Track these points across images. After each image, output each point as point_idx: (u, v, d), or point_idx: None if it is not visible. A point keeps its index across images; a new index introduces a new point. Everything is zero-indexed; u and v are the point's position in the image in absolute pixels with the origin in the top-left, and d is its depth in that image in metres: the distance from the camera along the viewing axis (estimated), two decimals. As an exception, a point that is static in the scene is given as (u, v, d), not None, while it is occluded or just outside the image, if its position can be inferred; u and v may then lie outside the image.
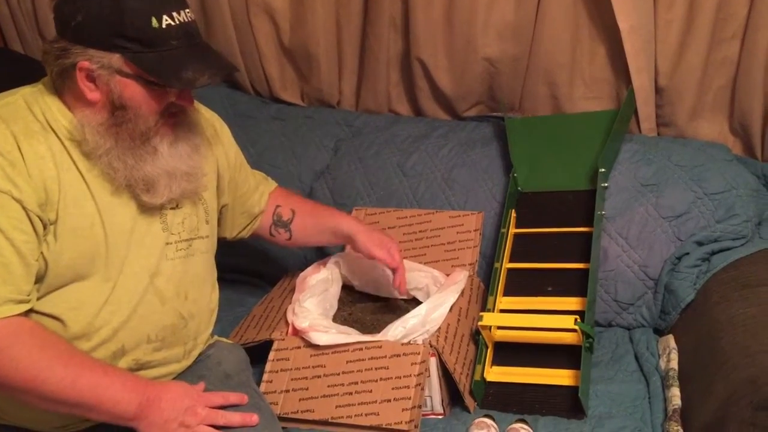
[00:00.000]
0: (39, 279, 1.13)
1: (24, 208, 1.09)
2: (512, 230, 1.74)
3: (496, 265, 1.66)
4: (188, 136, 1.24)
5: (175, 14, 1.13)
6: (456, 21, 1.91)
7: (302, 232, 1.61)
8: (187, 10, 1.16)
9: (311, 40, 2.08)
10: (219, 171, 1.42)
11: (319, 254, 1.90)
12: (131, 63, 1.12)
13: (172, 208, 1.27)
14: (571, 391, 1.43)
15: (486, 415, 1.40)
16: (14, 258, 1.08)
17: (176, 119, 1.21)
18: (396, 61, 2.06)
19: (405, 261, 1.67)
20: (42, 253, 1.12)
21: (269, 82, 2.22)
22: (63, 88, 1.16)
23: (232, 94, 2.25)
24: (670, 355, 1.51)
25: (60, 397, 1.08)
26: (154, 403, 1.14)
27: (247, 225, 1.57)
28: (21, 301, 1.09)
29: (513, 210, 1.76)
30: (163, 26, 1.11)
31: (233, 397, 1.25)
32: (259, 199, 1.57)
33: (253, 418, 1.22)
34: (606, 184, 1.70)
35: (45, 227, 1.12)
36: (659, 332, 1.67)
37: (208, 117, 1.44)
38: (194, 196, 1.30)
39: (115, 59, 1.12)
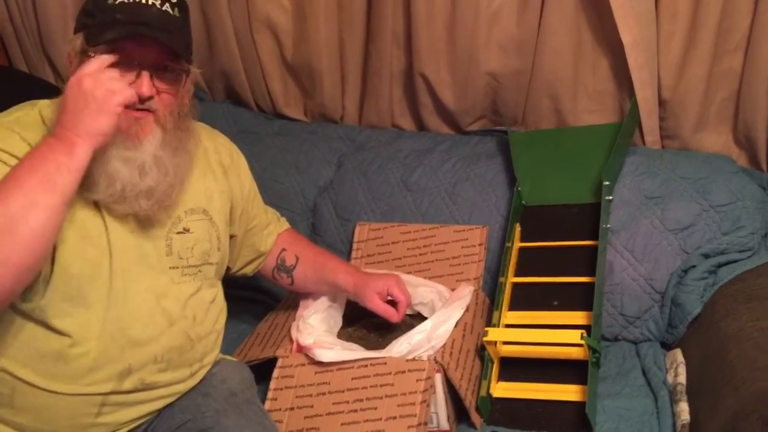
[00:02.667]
0: (45, 283, 1.14)
1: None
2: (517, 244, 1.73)
3: (501, 279, 1.65)
4: (159, 152, 1.17)
5: None
6: (458, 36, 1.91)
7: (303, 281, 1.59)
8: None
9: (314, 56, 2.09)
10: (233, 201, 1.41)
11: (324, 270, 1.90)
12: (84, 39, 1.15)
13: (179, 233, 1.27)
14: (578, 407, 1.42)
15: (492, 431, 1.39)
16: None
17: (140, 119, 1.16)
18: (399, 76, 2.06)
19: (410, 276, 1.67)
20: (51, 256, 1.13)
21: (272, 98, 2.23)
22: None
23: (236, 111, 2.26)
24: (677, 369, 1.50)
25: (11, 215, 1.00)
26: (64, 128, 1.05)
27: (252, 261, 1.56)
28: None
29: (517, 224, 1.76)
30: (116, 2, 1.13)
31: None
32: (266, 237, 1.56)
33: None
34: (610, 197, 1.69)
35: None
36: (666, 346, 1.65)
37: (226, 146, 1.44)
38: (155, 218, 1.24)
39: (80, 40, 1.15)
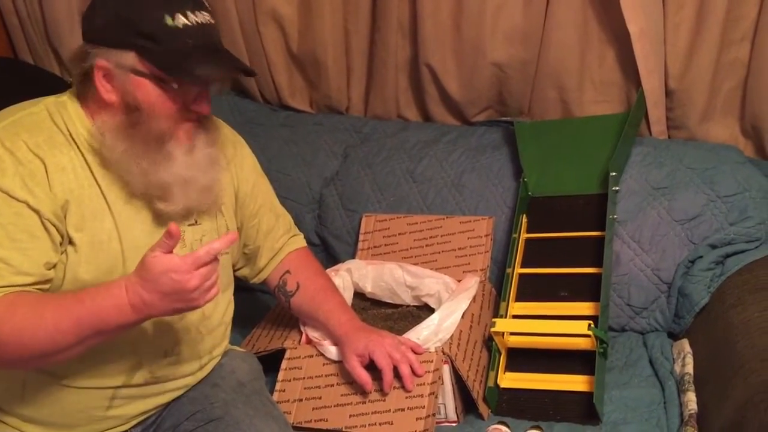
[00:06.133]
0: (56, 291, 1.14)
1: (41, 217, 1.09)
2: (523, 235, 1.74)
3: (508, 270, 1.65)
4: (207, 149, 1.22)
5: (190, 13, 1.14)
6: (464, 26, 1.90)
7: (298, 310, 1.52)
8: (205, 12, 1.16)
9: (319, 47, 2.09)
10: (235, 190, 1.40)
11: (331, 261, 1.90)
12: (144, 60, 1.13)
13: (190, 225, 1.26)
14: (586, 397, 1.42)
15: (500, 422, 1.40)
16: (20, 264, 1.08)
17: (193, 126, 1.21)
18: (404, 66, 2.06)
19: (416, 267, 1.67)
20: (60, 262, 1.13)
21: (278, 89, 2.23)
22: (85, 94, 1.18)
23: (241, 102, 2.26)
24: (685, 359, 1.50)
25: (57, 345, 1.06)
26: (146, 305, 1.05)
27: (245, 266, 1.51)
28: None
29: (524, 215, 1.76)
30: (178, 25, 1.12)
31: (217, 242, 1.06)
32: (265, 253, 1.49)
33: (233, 236, 1.09)
34: (617, 188, 1.69)
35: (62, 238, 1.13)
36: (673, 336, 1.66)
37: (230, 137, 1.43)
38: (212, 211, 1.29)
39: (130, 57, 1.13)
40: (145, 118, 1.15)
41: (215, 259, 1.07)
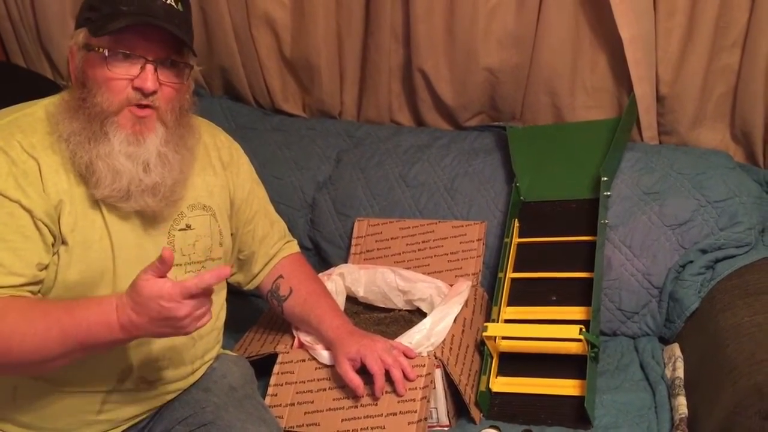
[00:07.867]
0: (46, 292, 1.14)
1: (33, 218, 1.10)
2: (515, 240, 1.74)
3: (500, 274, 1.66)
4: (162, 147, 1.17)
5: None
6: (457, 31, 1.91)
7: (291, 315, 1.51)
8: None
9: (313, 51, 2.09)
10: (231, 197, 1.39)
11: (324, 266, 1.90)
12: (89, 33, 1.14)
13: (181, 230, 1.26)
14: (577, 401, 1.43)
15: (492, 426, 1.40)
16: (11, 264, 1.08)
17: (139, 113, 1.15)
18: (397, 71, 2.06)
19: (408, 272, 1.67)
20: (51, 263, 1.12)
21: (271, 93, 2.23)
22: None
23: (234, 106, 2.26)
24: (675, 363, 1.51)
25: (43, 354, 1.05)
26: (134, 327, 1.05)
27: (239, 272, 1.50)
28: None
29: (516, 219, 1.76)
30: None
31: (208, 275, 1.04)
32: (260, 251, 1.49)
33: (225, 270, 1.06)
34: (608, 193, 1.70)
35: (54, 238, 1.13)
36: (664, 341, 1.66)
37: (227, 143, 1.42)
38: (171, 215, 1.25)
39: (83, 34, 1.15)
40: (91, 94, 1.13)
41: (208, 290, 1.06)
